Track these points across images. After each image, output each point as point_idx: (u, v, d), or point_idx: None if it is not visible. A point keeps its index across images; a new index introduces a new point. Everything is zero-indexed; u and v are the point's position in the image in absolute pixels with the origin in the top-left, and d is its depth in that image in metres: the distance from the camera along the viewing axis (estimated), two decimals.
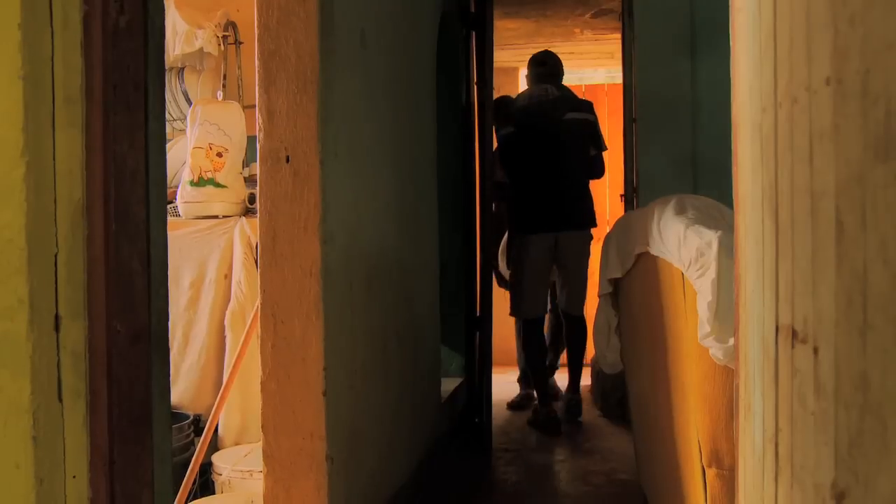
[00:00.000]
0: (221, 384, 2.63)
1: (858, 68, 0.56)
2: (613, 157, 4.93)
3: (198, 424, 2.76)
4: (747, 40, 0.77)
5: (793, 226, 0.66)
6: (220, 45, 3.45)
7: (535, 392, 4.02)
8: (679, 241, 1.73)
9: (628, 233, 2.36)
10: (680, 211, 1.89)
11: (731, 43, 0.85)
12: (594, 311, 2.66)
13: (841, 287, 0.59)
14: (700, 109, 3.64)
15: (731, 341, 1.50)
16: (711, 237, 1.61)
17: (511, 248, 4.11)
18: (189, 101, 3.52)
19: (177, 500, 2.17)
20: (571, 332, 4.03)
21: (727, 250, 1.57)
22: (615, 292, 2.55)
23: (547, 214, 3.87)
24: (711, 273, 1.58)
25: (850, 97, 0.57)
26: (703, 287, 1.60)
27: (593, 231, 4.08)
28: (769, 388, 0.71)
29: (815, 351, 0.62)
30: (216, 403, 2.44)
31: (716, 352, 1.58)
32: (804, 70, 0.63)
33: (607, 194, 5.71)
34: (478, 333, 3.53)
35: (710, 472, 1.63)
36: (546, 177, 3.87)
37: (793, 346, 0.66)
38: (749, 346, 0.78)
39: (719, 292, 1.56)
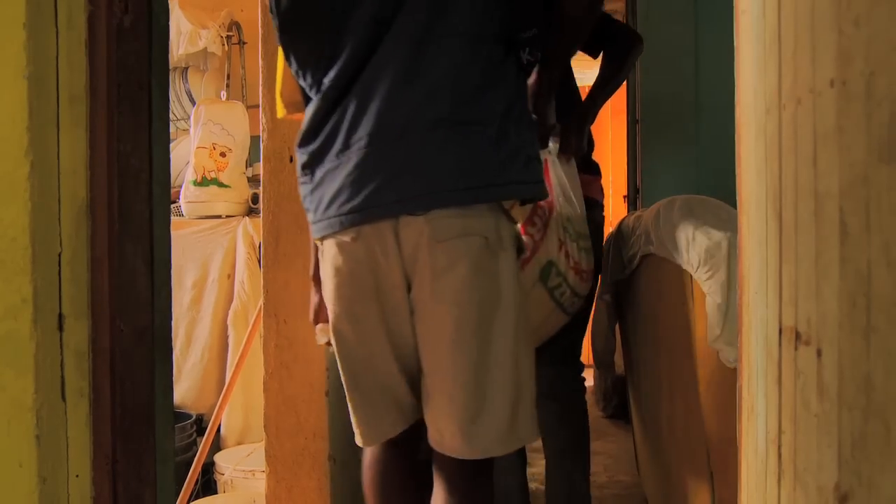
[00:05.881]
0: (224, 384, 2.64)
1: (863, 70, 0.56)
2: (616, 158, 4.93)
3: (200, 424, 2.77)
4: (751, 42, 0.77)
5: (796, 227, 0.65)
6: (223, 44, 3.45)
7: None
8: (687, 243, 1.72)
9: (631, 234, 2.35)
10: (687, 212, 1.87)
11: (734, 44, 0.85)
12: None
13: (845, 289, 0.58)
14: (703, 111, 3.64)
15: None
16: (721, 238, 1.60)
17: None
18: (193, 101, 3.53)
19: (179, 499, 2.17)
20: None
21: (737, 252, 1.56)
22: (615, 294, 2.54)
23: (363, 179, 1.23)
24: (721, 275, 1.56)
25: (854, 99, 0.57)
26: (712, 289, 1.59)
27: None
28: (772, 390, 0.71)
29: (819, 353, 0.62)
30: (219, 403, 2.44)
31: (727, 354, 1.57)
32: (808, 72, 0.63)
33: (610, 196, 5.70)
34: None
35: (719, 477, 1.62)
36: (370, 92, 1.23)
37: (796, 348, 0.66)
38: (752, 347, 0.78)
39: (730, 294, 1.54)
